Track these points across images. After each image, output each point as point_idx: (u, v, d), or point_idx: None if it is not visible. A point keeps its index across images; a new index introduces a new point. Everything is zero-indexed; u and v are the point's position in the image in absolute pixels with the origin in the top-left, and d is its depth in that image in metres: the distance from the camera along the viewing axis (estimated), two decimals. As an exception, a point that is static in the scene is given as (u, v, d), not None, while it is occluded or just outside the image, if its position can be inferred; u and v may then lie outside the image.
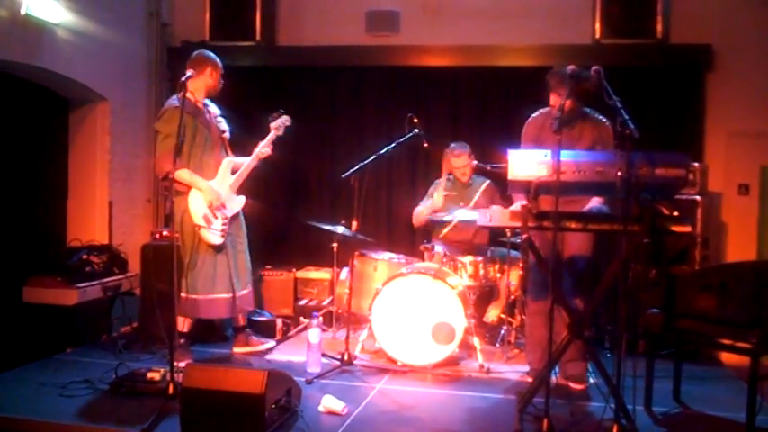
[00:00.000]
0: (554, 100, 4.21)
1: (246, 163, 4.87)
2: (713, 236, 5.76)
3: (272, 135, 4.89)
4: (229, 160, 4.83)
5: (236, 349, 5.02)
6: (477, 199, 5.54)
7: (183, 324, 4.76)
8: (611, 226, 3.49)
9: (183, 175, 4.52)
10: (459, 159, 5.60)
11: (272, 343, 5.14)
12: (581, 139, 4.20)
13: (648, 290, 4.42)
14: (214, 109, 4.90)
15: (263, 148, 4.87)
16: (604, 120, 4.23)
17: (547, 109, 4.37)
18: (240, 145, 5.01)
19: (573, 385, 4.28)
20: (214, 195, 4.64)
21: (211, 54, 4.78)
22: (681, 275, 4.22)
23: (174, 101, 4.56)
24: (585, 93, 4.01)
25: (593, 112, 4.27)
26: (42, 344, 4.92)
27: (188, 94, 4.34)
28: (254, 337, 5.12)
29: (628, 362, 3.33)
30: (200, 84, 4.70)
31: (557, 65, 3.66)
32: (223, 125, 4.89)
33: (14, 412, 3.72)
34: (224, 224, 4.70)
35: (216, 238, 4.66)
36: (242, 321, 5.03)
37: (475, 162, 5.56)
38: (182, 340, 4.77)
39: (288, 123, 4.96)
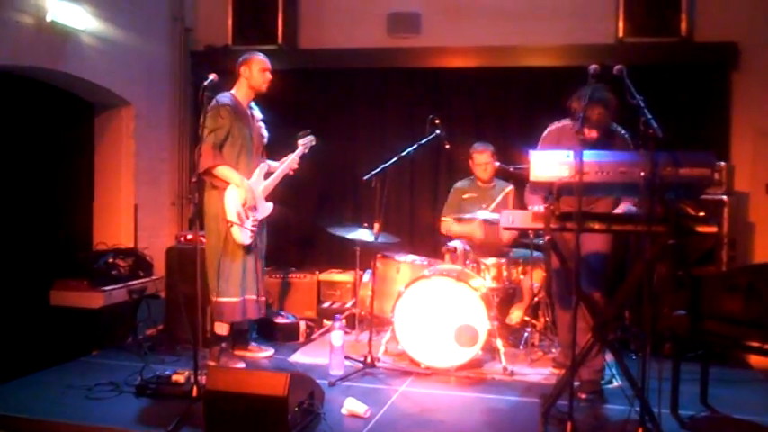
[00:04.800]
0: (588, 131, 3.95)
1: (277, 171, 4.92)
2: (740, 236, 5.67)
3: (299, 151, 5.01)
4: (265, 165, 4.87)
5: (235, 352, 5.01)
6: (499, 202, 5.51)
7: (223, 327, 4.78)
8: (636, 227, 3.45)
9: (222, 170, 4.60)
10: (481, 156, 5.64)
11: (270, 351, 5.15)
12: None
13: (674, 291, 4.37)
14: (257, 113, 4.95)
15: (292, 162, 4.95)
16: (624, 133, 4.17)
17: (562, 123, 4.28)
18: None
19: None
20: (249, 194, 4.66)
21: (249, 53, 4.85)
22: (707, 276, 4.17)
23: (222, 98, 4.62)
24: (607, 121, 3.99)
25: (618, 127, 4.20)
26: (68, 346, 4.99)
27: (232, 93, 4.74)
28: (254, 344, 5.16)
29: (653, 364, 3.30)
30: (242, 86, 4.81)
31: (591, 68, 3.54)
32: (263, 130, 4.93)
33: (41, 414, 3.77)
34: (254, 225, 4.72)
35: (246, 238, 4.68)
36: (246, 325, 5.06)
37: (498, 164, 5.54)
38: (223, 344, 4.79)
39: (313, 143, 5.10)
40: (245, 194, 4.65)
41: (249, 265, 4.75)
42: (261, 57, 4.82)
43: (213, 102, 4.55)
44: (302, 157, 5.05)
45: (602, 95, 3.87)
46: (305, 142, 5.04)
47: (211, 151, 4.52)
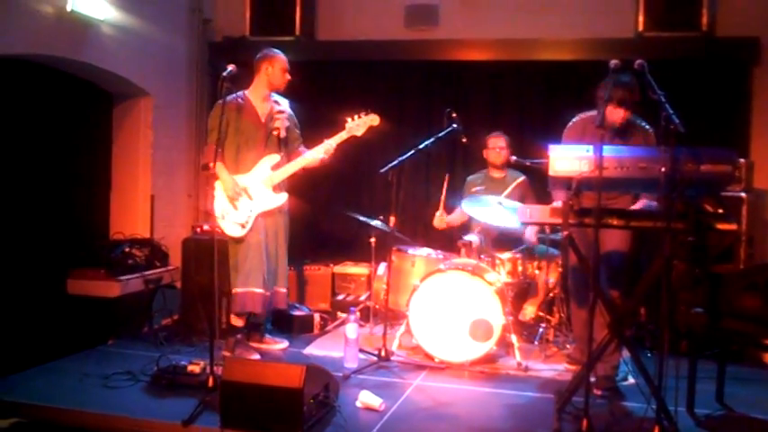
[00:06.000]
0: (610, 112, 3.95)
1: (296, 161, 4.83)
2: (759, 234, 5.61)
3: (342, 134, 4.77)
4: (274, 156, 4.81)
5: (250, 343, 5.00)
6: (509, 193, 5.47)
7: (236, 319, 4.82)
8: (655, 223, 3.42)
9: (216, 167, 4.55)
10: (497, 140, 5.65)
11: (285, 343, 5.16)
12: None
13: (692, 289, 4.34)
14: (281, 106, 4.93)
15: (319, 151, 4.78)
16: (648, 127, 4.15)
17: (588, 113, 4.28)
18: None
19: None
20: (230, 186, 4.67)
21: (271, 51, 4.82)
22: (725, 274, 4.14)
23: (228, 96, 4.51)
24: (631, 101, 3.97)
25: (638, 119, 4.18)
26: (85, 335, 5.02)
27: (247, 92, 4.79)
28: (269, 336, 5.17)
29: (670, 362, 3.28)
30: (260, 81, 4.81)
31: (612, 63, 3.58)
32: (278, 123, 4.85)
33: (58, 402, 3.80)
34: (246, 216, 4.71)
35: (235, 230, 4.69)
36: (261, 318, 5.05)
37: (514, 157, 5.52)
38: (239, 335, 4.83)
39: (374, 123, 4.77)
40: (226, 187, 4.68)
41: (252, 257, 4.72)
42: (283, 57, 4.81)
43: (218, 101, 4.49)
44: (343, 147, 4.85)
45: (627, 79, 3.85)
46: (355, 125, 4.74)
47: (209, 149, 4.48)
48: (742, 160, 5.44)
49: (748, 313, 3.72)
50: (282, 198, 4.86)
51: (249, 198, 4.74)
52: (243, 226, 4.70)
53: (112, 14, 5.49)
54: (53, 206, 5.40)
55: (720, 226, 3.41)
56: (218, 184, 4.71)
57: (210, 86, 6.71)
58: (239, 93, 4.76)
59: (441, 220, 5.58)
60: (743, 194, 5.32)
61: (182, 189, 6.67)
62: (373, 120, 4.77)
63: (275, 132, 4.85)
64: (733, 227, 3.47)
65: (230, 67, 4.14)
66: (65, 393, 3.96)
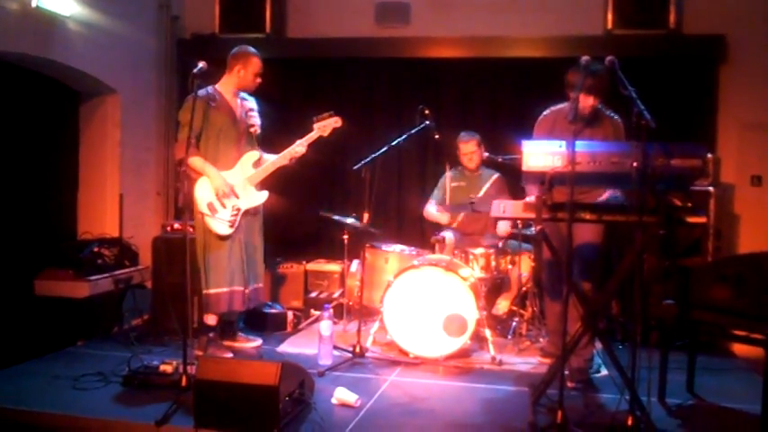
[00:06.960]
0: (581, 99, 4.00)
1: (273, 159, 4.82)
2: (725, 227, 5.72)
3: (312, 135, 4.81)
4: (254, 153, 4.80)
5: (223, 342, 4.97)
6: (486, 190, 5.50)
7: (211, 318, 4.77)
8: (627, 217, 3.46)
9: (195, 162, 4.57)
10: (467, 145, 5.67)
11: (258, 342, 5.13)
12: (594, 137, 4.15)
13: (662, 281, 4.41)
14: (250, 103, 4.90)
15: (298, 147, 4.79)
16: (616, 116, 4.21)
17: (558, 106, 4.33)
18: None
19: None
20: (221, 184, 4.61)
21: (248, 51, 4.76)
22: (695, 267, 4.21)
23: (199, 90, 4.47)
24: (601, 89, 4.01)
25: (605, 109, 4.23)
26: (54, 336, 4.94)
27: (217, 86, 4.72)
28: (242, 335, 5.14)
29: (642, 353, 3.32)
30: (230, 79, 4.77)
31: (583, 59, 3.64)
32: (253, 120, 4.86)
33: (27, 405, 3.74)
34: (233, 215, 4.67)
35: (222, 228, 4.63)
36: (233, 316, 5.03)
37: (486, 154, 5.55)
38: (211, 334, 4.78)
39: (337, 125, 4.83)
40: (215, 184, 4.61)
41: (235, 255, 4.70)
42: (258, 60, 4.76)
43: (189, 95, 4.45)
44: (315, 144, 4.87)
45: (597, 67, 3.89)
46: (323, 125, 4.78)
47: (184, 143, 4.35)
48: (709, 155, 5.53)
49: (718, 305, 3.79)
50: (264, 195, 4.83)
51: (236, 196, 4.70)
52: (231, 224, 4.65)
53: (78, 11, 5.39)
54: (19, 206, 5.30)
55: (691, 219, 3.47)
56: (202, 180, 4.63)
57: (179, 84, 6.64)
58: (209, 87, 4.68)
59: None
60: (710, 189, 5.42)
61: (151, 187, 6.59)
62: (336, 122, 4.83)
63: (252, 129, 4.84)
64: (703, 220, 3.53)
65: (201, 64, 4.09)
66: (34, 396, 3.89)
